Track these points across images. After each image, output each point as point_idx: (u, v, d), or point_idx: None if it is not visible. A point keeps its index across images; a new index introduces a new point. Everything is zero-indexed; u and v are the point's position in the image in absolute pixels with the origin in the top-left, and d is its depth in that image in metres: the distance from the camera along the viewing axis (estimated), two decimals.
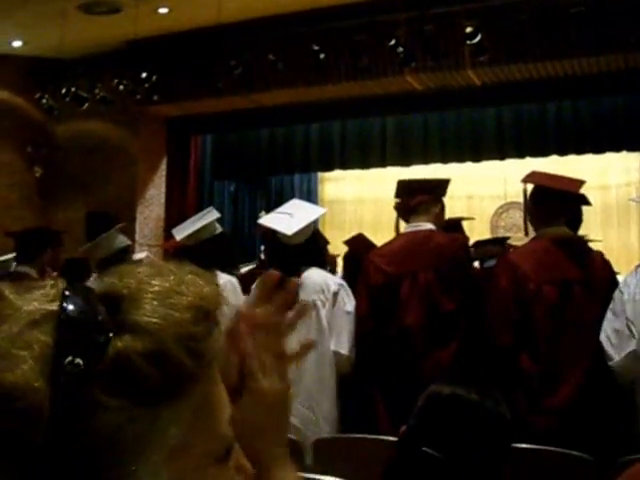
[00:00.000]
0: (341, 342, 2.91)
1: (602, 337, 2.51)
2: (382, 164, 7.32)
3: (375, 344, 2.93)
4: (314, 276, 2.98)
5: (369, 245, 4.16)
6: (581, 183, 2.97)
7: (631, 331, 2.43)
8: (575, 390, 2.57)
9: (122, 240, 3.77)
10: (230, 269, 3.40)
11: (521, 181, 2.98)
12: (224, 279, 3.18)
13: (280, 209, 3.22)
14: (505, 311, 2.69)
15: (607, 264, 2.80)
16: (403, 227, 3.20)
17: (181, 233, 3.32)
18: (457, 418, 1.26)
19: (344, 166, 7.61)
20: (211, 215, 3.38)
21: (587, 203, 4.00)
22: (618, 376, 2.49)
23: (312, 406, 2.89)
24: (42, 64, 6.94)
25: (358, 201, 8.61)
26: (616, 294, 2.53)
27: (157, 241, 7.15)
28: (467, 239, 3.51)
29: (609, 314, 2.52)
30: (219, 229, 3.38)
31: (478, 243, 4.67)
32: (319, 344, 2.93)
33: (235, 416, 0.55)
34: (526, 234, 3.15)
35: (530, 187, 2.93)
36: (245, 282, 3.40)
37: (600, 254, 2.87)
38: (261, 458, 0.70)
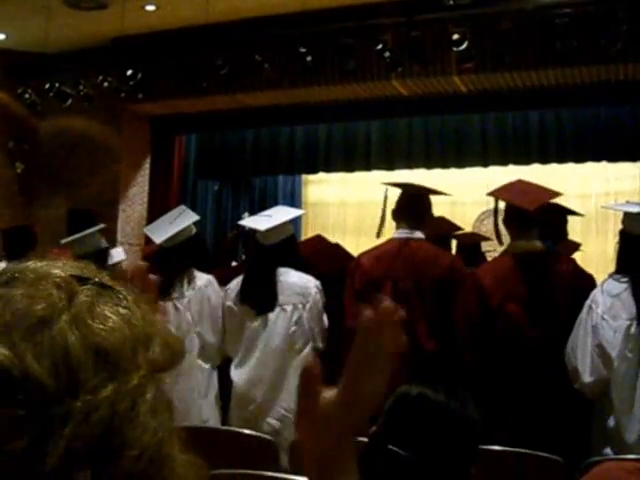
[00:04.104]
0: (317, 339, 3.00)
1: (572, 357, 2.49)
2: (366, 168, 7.33)
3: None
4: (292, 278, 3.00)
5: (327, 246, 4.00)
6: (553, 195, 3.00)
7: (606, 353, 2.44)
8: (537, 402, 2.60)
9: (100, 242, 3.73)
10: (206, 268, 3.39)
11: (487, 194, 3.05)
12: (203, 278, 3.18)
13: (263, 212, 3.27)
14: (471, 328, 2.73)
15: (579, 277, 2.79)
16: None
17: (159, 235, 3.27)
18: (423, 418, 1.30)
19: (328, 169, 7.61)
20: (188, 216, 3.35)
21: (566, 213, 4.05)
22: (584, 394, 2.51)
23: (292, 408, 2.89)
24: (25, 58, 6.85)
25: (341, 204, 8.62)
26: (585, 310, 2.52)
27: (139, 240, 7.09)
28: (458, 258, 3.51)
29: (580, 331, 2.51)
30: (194, 229, 3.36)
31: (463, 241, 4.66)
32: (303, 346, 2.95)
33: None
34: (500, 243, 3.20)
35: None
36: (223, 280, 3.38)
37: (573, 267, 2.86)
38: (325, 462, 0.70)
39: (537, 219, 2.85)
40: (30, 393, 0.45)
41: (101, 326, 0.49)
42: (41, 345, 0.47)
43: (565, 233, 3.91)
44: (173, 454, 0.51)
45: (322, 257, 3.97)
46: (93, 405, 0.46)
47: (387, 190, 3.15)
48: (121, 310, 0.51)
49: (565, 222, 3.91)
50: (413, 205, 3.03)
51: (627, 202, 2.91)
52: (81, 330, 0.48)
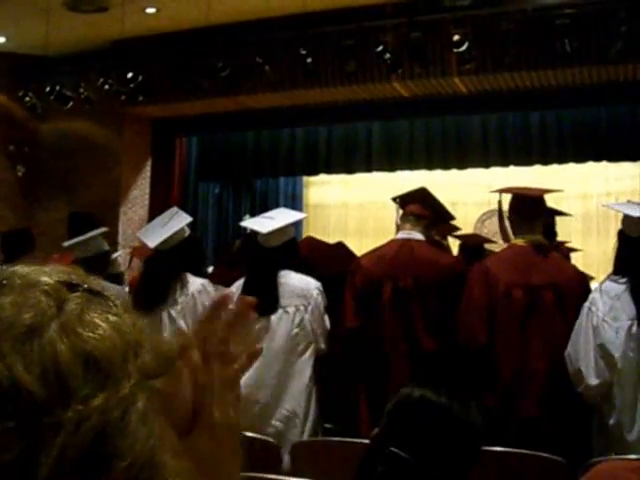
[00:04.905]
0: (320, 340, 3.00)
1: (574, 360, 2.48)
2: (367, 169, 7.34)
3: (360, 345, 2.97)
4: (293, 280, 2.99)
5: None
6: (553, 190, 3.07)
7: (609, 354, 2.43)
8: (540, 390, 2.60)
9: (102, 245, 3.70)
10: (201, 271, 3.36)
11: (491, 191, 3.07)
12: (197, 283, 3.14)
13: (265, 214, 3.25)
14: (478, 313, 2.72)
15: (581, 275, 2.83)
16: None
17: (152, 239, 3.19)
18: (424, 421, 1.29)
19: (329, 170, 7.62)
20: (181, 218, 3.28)
21: (560, 214, 4.09)
22: (587, 398, 2.50)
23: (295, 410, 2.89)
24: (26, 61, 6.87)
25: (343, 206, 8.62)
26: (584, 312, 2.52)
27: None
28: (458, 259, 3.51)
29: (581, 334, 2.50)
30: (187, 232, 3.29)
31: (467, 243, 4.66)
32: (306, 347, 2.96)
33: (187, 454, 0.55)
34: (506, 240, 3.21)
35: (504, 198, 3.02)
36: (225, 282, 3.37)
37: (574, 266, 2.92)
38: None
39: (541, 212, 2.88)
40: (20, 404, 0.44)
41: (91, 334, 0.48)
42: (31, 355, 0.46)
43: (554, 233, 3.93)
44: (164, 461, 0.50)
45: (324, 258, 3.96)
46: (84, 415, 0.45)
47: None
48: (111, 317, 0.51)
49: (553, 223, 3.92)
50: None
51: (628, 202, 2.90)
52: (71, 339, 0.47)
